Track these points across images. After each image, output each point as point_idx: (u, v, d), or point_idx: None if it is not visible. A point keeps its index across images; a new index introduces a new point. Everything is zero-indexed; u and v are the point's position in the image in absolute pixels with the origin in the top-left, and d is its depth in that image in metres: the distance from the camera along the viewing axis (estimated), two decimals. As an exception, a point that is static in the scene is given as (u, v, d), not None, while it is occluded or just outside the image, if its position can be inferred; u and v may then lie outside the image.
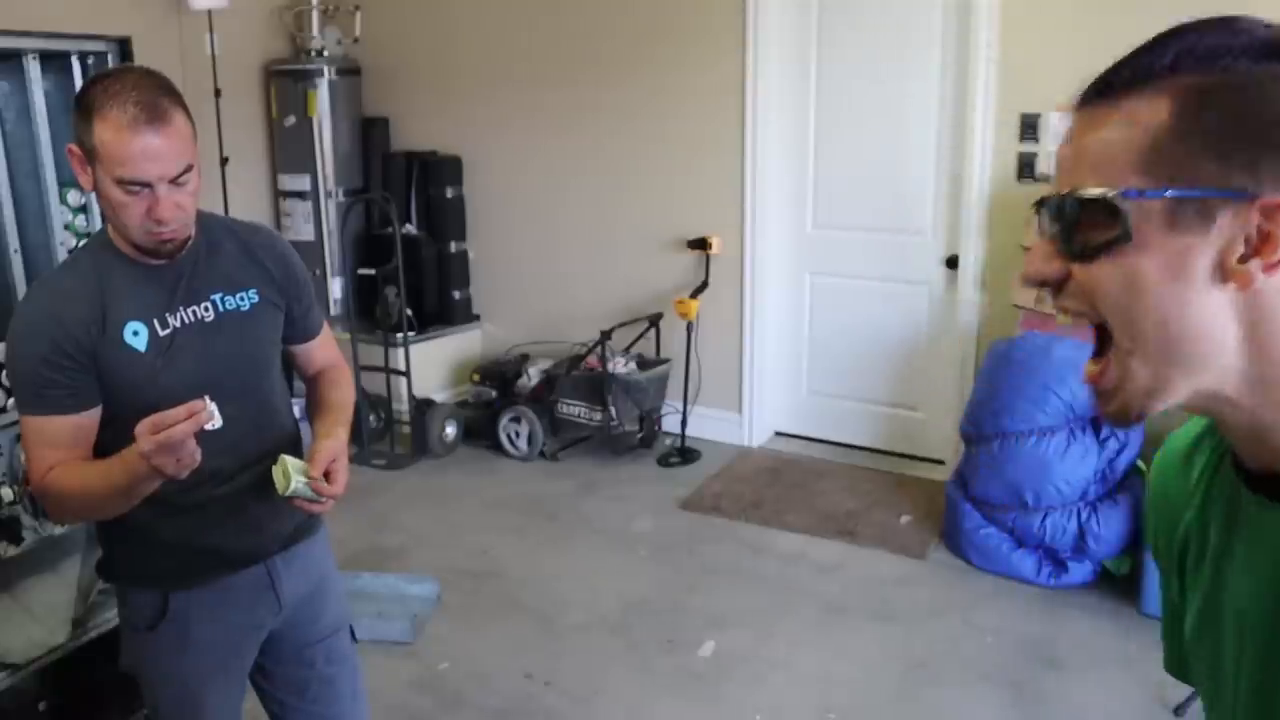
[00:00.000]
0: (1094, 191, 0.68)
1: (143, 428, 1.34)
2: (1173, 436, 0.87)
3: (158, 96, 1.43)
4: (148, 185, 1.43)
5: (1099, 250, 0.68)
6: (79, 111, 1.44)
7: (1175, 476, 0.83)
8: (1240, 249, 0.64)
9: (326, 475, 1.54)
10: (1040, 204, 0.72)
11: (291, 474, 1.51)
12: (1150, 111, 0.68)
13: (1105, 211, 0.67)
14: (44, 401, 1.48)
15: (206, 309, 1.58)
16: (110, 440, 1.53)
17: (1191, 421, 0.84)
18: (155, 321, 1.53)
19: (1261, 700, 0.71)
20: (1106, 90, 0.72)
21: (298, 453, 1.69)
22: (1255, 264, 0.64)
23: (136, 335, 1.52)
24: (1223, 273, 0.65)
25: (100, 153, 1.41)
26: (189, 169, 1.47)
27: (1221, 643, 0.75)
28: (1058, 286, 0.72)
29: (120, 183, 1.42)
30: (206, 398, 1.37)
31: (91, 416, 1.52)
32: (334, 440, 1.59)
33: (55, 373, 1.47)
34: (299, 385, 1.95)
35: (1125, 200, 0.66)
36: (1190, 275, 0.66)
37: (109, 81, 1.43)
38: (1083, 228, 0.69)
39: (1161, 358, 0.68)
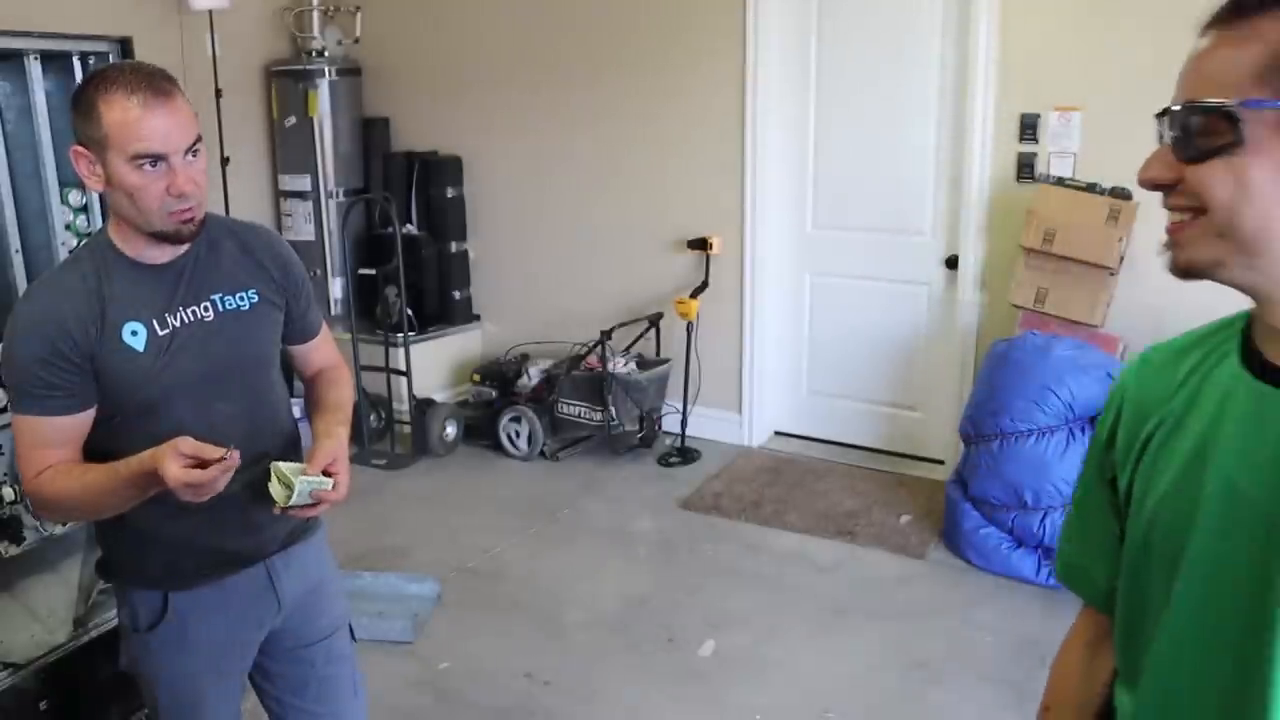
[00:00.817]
0: (1214, 100, 0.77)
1: (175, 454, 1.36)
2: (1155, 348, 1.00)
3: (156, 79, 1.45)
4: (163, 159, 1.44)
5: (1213, 153, 0.78)
6: (79, 110, 1.44)
7: (1159, 376, 0.95)
8: None
9: (326, 475, 1.53)
10: (1163, 113, 0.82)
11: (291, 479, 1.47)
12: (1272, 34, 0.76)
13: (1223, 119, 0.77)
14: (40, 402, 1.48)
15: (206, 309, 1.58)
16: (105, 439, 1.54)
17: (1176, 338, 0.99)
18: (154, 321, 1.53)
19: (1260, 556, 0.81)
20: (1240, 11, 0.80)
21: (298, 454, 1.69)
22: None
23: (135, 335, 1.52)
24: None
25: (111, 136, 1.42)
26: (199, 140, 1.49)
27: (1198, 510, 0.86)
28: (1170, 188, 0.82)
29: (136, 159, 1.42)
30: (233, 448, 1.39)
31: (86, 417, 1.52)
32: (333, 440, 1.59)
33: (52, 373, 1.47)
34: (299, 385, 1.95)
35: (1244, 109, 0.76)
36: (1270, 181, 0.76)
37: (104, 74, 1.44)
38: (1201, 133, 0.79)
39: (1245, 245, 0.79)
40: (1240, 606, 0.84)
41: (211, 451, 1.38)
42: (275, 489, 1.48)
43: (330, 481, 1.51)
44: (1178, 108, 0.81)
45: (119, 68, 1.46)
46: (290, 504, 1.48)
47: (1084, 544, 1.06)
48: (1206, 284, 0.95)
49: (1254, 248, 0.79)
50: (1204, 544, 0.86)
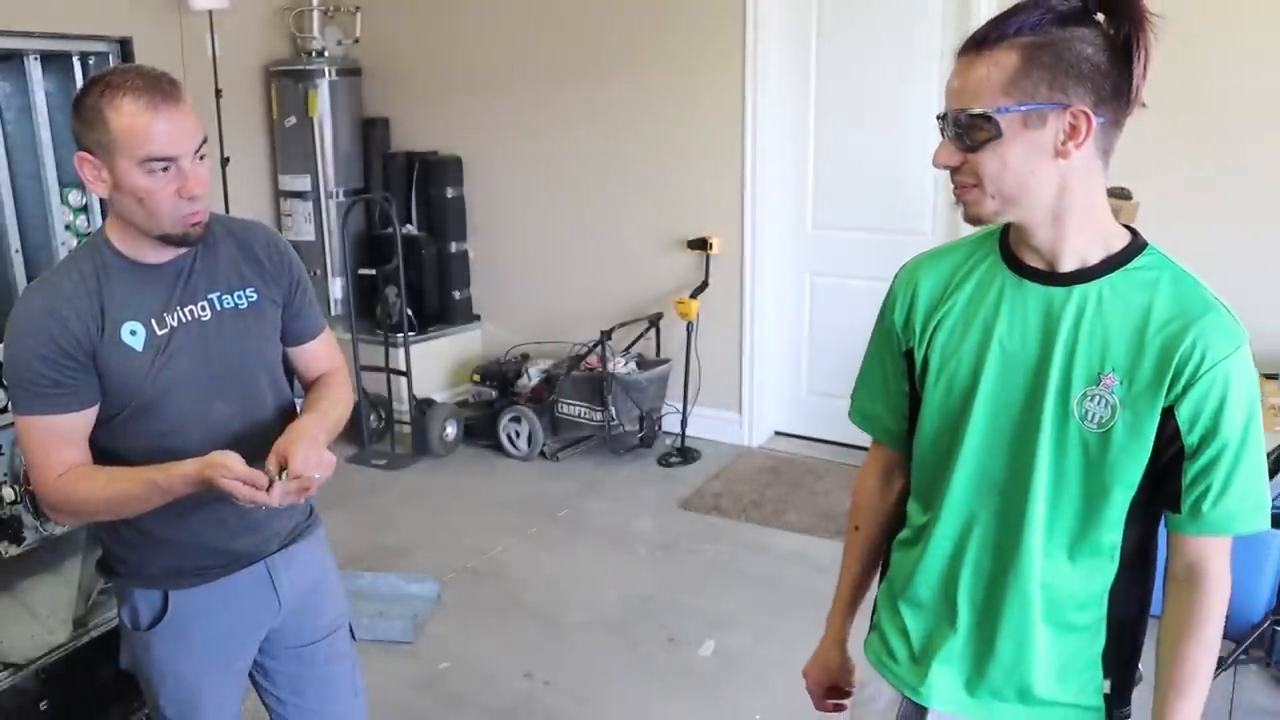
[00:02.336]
0: (977, 108, 1.12)
1: (234, 476, 1.42)
2: (928, 255, 1.35)
3: (161, 82, 1.45)
4: (173, 161, 1.44)
5: (983, 144, 1.13)
6: (83, 116, 1.44)
7: (939, 275, 1.31)
8: (1062, 137, 1.11)
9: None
10: (942, 117, 1.16)
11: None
12: (1007, 59, 1.10)
13: (986, 120, 1.11)
14: (47, 400, 1.48)
15: (204, 308, 1.58)
16: (105, 438, 1.54)
17: (940, 248, 1.35)
18: (153, 321, 1.53)
19: (1028, 391, 1.20)
20: (981, 45, 1.12)
21: None
22: (1070, 145, 1.11)
23: (134, 335, 1.52)
24: (1054, 152, 1.12)
25: (121, 141, 1.42)
26: (205, 142, 1.50)
27: (983, 368, 1.23)
28: (956, 169, 1.17)
29: (148, 162, 1.43)
30: (272, 475, 1.46)
31: (91, 415, 1.52)
32: (293, 429, 1.55)
33: (57, 371, 1.47)
34: (299, 385, 1.95)
35: (998, 113, 1.11)
36: (1036, 155, 1.12)
37: (107, 80, 1.44)
38: (972, 131, 1.13)
39: (1011, 201, 1.16)
40: (1015, 427, 1.22)
41: (260, 478, 1.44)
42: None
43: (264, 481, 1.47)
44: (954, 114, 1.13)
45: (122, 72, 1.46)
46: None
47: (879, 398, 1.40)
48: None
49: (1015, 201, 1.16)
50: (988, 389, 1.23)
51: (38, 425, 1.50)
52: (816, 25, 4.34)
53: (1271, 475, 3.12)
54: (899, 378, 1.35)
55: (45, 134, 2.66)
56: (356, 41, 5.21)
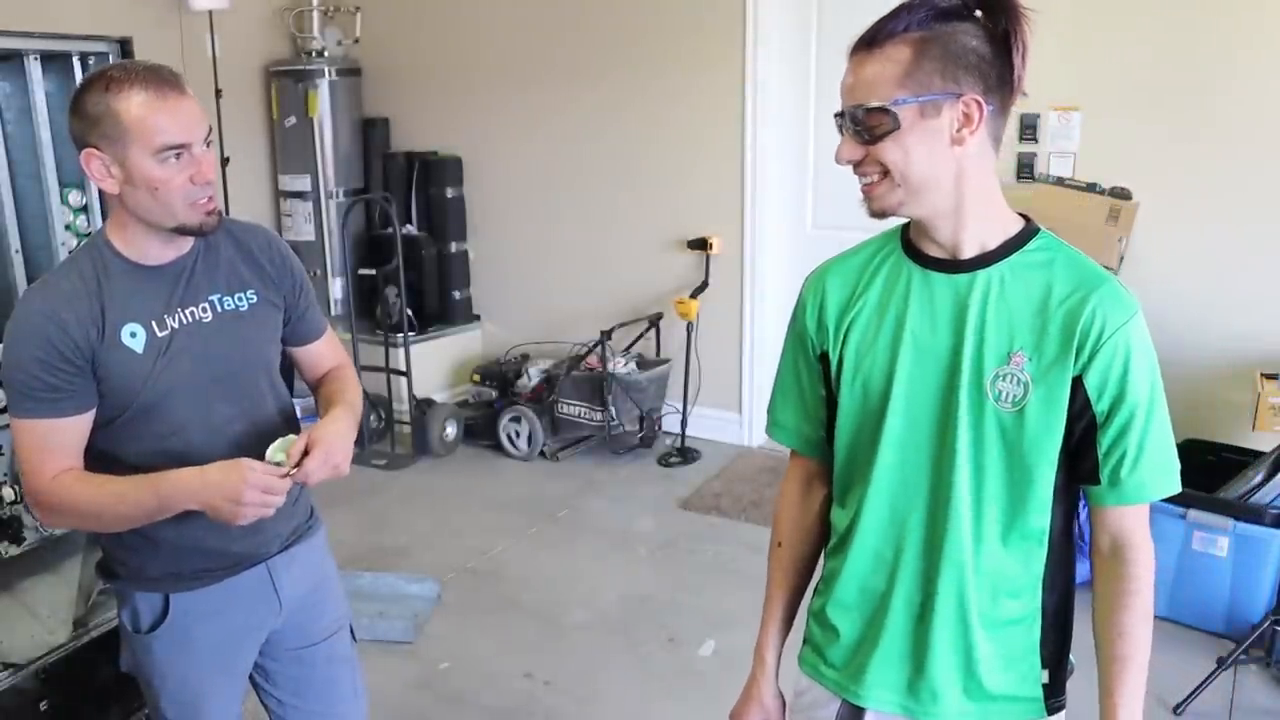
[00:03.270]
0: (876, 102, 1.15)
1: (254, 479, 1.42)
2: (833, 262, 1.37)
3: (162, 72, 1.46)
4: (186, 148, 1.45)
5: (883, 136, 1.16)
6: (86, 114, 1.43)
7: (846, 280, 1.33)
8: (957, 124, 1.15)
9: (306, 453, 1.52)
10: (840, 115, 1.19)
11: (279, 447, 1.51)
12: (899, 54, 1.14)
13: (884, 114, 1.15)
14: (43, 404, 1.48)
15: (204, 310, 1.58)
16: (105, 441, 1.53)
17: (844, 254, 1.37)
18: (153, 323, 1.53)
19: (944, 380, 1.23)
20: (871, 44, 1.16)
21: None
22: (965, 132, 1.16)
23: (134, 337, 1.51)
24: (950, 140, 1.16)
25: (134, 132, 1.42)
26: (210, 129, 1.51)
27: (898, 362, 1.25)
28: (859, 163, 1.20)
29: (163, 151, 1.43)
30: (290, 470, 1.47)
31: (88, 419, 1.52)
32: (327, 419, 1.59)
33: (54, 375, 1.46)
34: (299, 385, 1.95)
35: (895, 105, 1.14)
36: (934, 143, 1.16)
37: (108, 75, 1.44)
38: (871, 125, 1.16)
39: (914, 190, 1.19)
40: (932, 417, 1.24)
41: (278, 482, 1.46)
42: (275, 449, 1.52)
43: (284, 470, 1.50)
44: (852, 110, 1.17)
45: (122, 68, 1.45)
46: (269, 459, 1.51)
47: (797, 408, 1.40)
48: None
49: (919, 189, 1.19)
50: (904, 383, 1.24)
51: (33, 428, 1.49)
52: (816, 25, 4.34)
53: (1270, 476, 3.13)
54: (815, 383, 1.36)
55: (45, 134, 2.66)
56: (356, 41, 5.21)
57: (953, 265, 1.23)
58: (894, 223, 1.28)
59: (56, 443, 1.49)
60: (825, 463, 1.40)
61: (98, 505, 1.49)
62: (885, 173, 1.18)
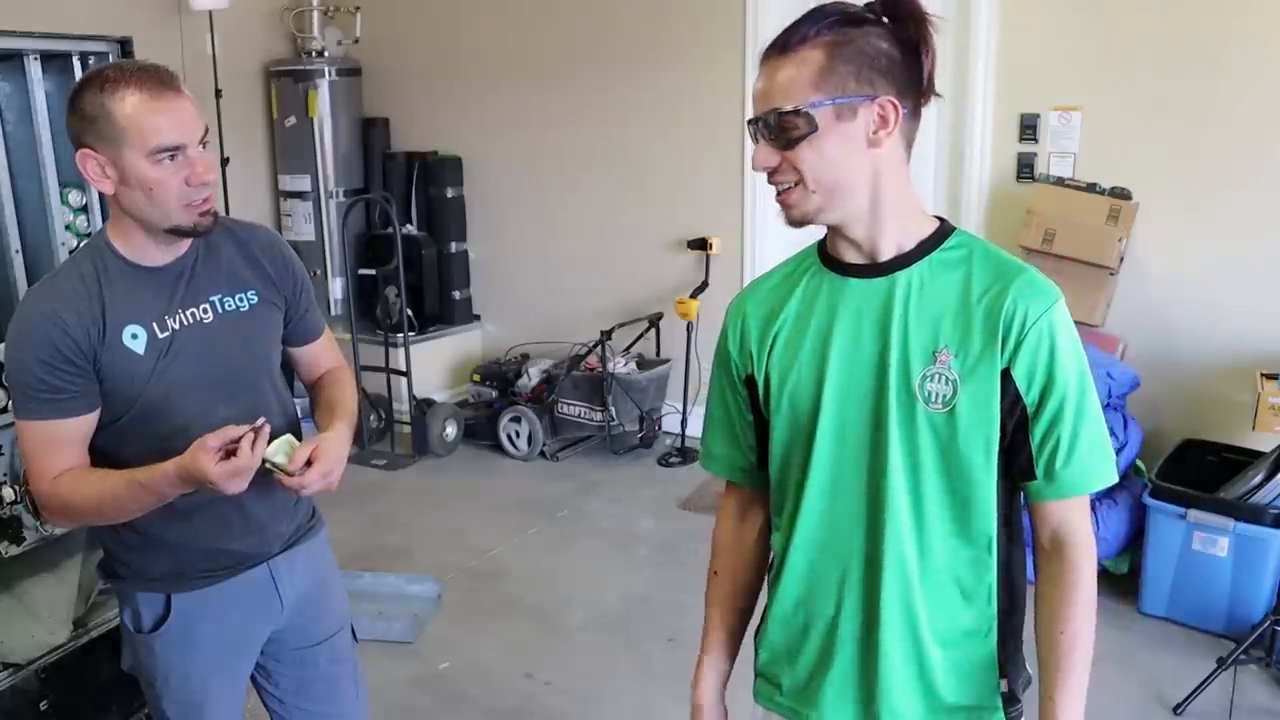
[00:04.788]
0: (790, 105, 1.14)
1: (206, 453, 1.37)
2: (753, 285, 1.36)
3: (159, 73, 1.46)
4: (181, 149, 1.44)
5: (800, 140, 1.14)
6: (83, 114, 1.43)
7: (766, 301, 1.31)
8: (874, 126, 1.15)
9: (308, 463, 1.49)
10: (754, 121, 1.17)
11: (280, 448, 1.48)
12: (813, 57, 1.14)
13: (800, 117, 1.13)
14: (45, 405, 1.48)
15: (205, 310, 1.58)
16: (108, 442, 1.53)
17: (763, 277, 1.36)
18: (154, 324, 1.53)
19: (873, 386, 1.20)
20: (784, 49, 1.15)
21: None
22: (882, 134, 1.15)
23: (135, 338, 1.51)
24: (867, 142, 1.15)
25: (128, 133, 1.41)
26: (207, 130, 1.50)
27: (825, 374, 1.22)
28: (774, 170, 1.18)
29: (157, 152, 1.43)
30: (262, 419, 1.42)
31: (91, 419, 1.52)
32: (332, 434, 1.57)
33: (56, 376, 1.46)
34: (298, 385, 1.95)
35: (812, 108, 1.13)
36: (851, 146, 1.15)
37: (104, 75, 1.43)
38: (787, 129, 1.14)
39: (831, 195, 1.17)
40: (863, 426, 1.21)
41: (235, 431, 1.40)
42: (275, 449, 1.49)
43: (290, 470, 1.47)
44: (767, 114, 1.15)
45: (118, 67, 1.45)
46: (269, 460, 1.47)
47: (727, 437, 1.38)
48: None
49: (835, 193, 1.17)
50: (833, 394, 1.22)
51: (36, 429, 1.49)
52: (816, 25, 4.34)
53: (1270, 476, 3.13)
54: (743, 409, 1.34)
55: (45, 134, 2.66)
56: (356, 41, 5.21)
57: (871, 269, 1.21)
58: (816, 235, 1.28)
59: (60, 443, 1.49)
60: (760, 490, 1.38)
61: (97, 503, 1.49)
62: (799, 179, 1.16)
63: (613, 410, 4.43)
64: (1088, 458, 1.18)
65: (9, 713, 2.24)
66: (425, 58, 5.22)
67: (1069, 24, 3.74)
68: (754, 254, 4.56)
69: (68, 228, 2.75)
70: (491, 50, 5.03)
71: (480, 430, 4.77)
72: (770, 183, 1.20)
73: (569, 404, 4.55)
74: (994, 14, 3.85)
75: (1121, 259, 3.62)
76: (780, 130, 1.14)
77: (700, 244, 4.59)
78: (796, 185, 1.17)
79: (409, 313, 4.87)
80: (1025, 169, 3.90)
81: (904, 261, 1.20)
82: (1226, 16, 3.49)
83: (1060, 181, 3.77)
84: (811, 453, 1.23)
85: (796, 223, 1.20)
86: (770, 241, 4.56)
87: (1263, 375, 3.23)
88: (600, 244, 4.95)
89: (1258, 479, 3.07)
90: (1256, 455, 3.25)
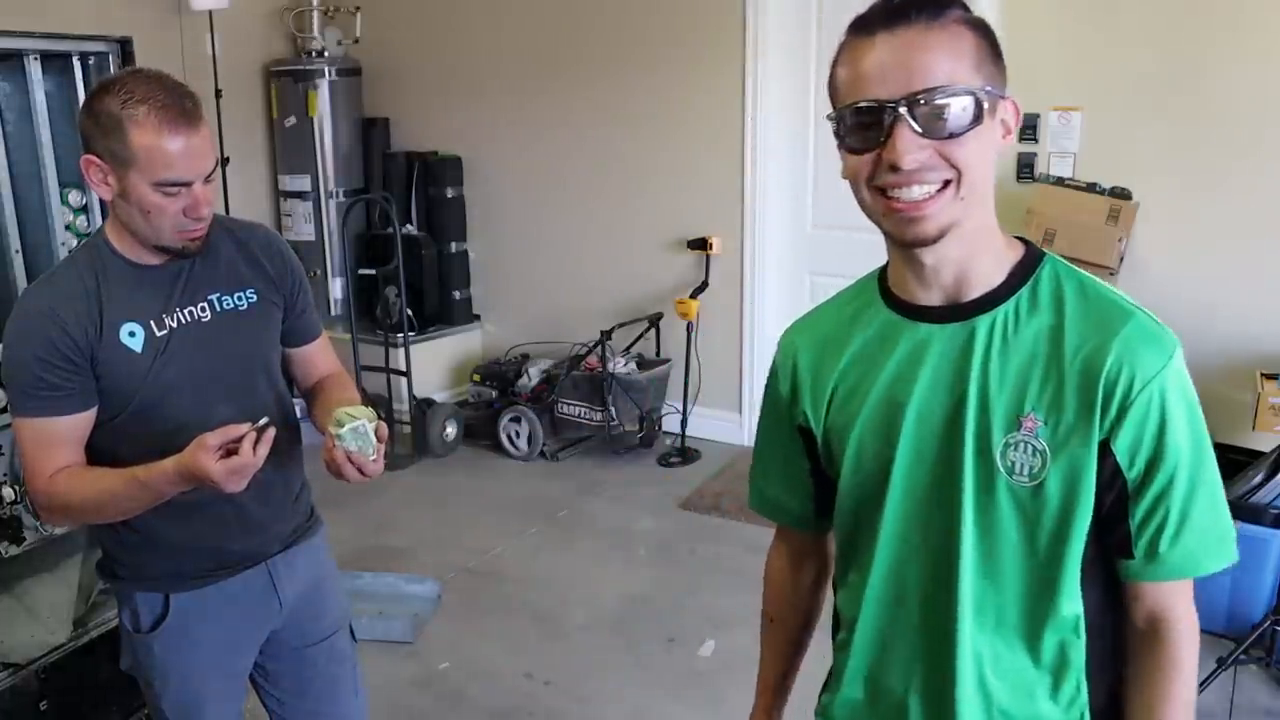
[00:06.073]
0: (965, 87, 0.94)
1: (206, 451, 1.37)
2: (803, 324, 1.20)
3: (181, 98, 1.43)
4: (188, 185, 1.44)
5: (967, 129, 0.95)
6: (98, 121, 1.42)
7: (822, 338, 1.14)
8: (1002, 131, 0.99)
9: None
10: (914, 103, 0.93)
11: (355, 416, 1.45)
12: (966, 34, 0.95)
13: (974, 100, 0.94)
14: (43, 403, 1.48)
15: (204, 309, 1.58)
16: (104, 440, 1.53)
17: (816, 312, 1.20)
18: (152, 323, 1.53)
19: (946, 470, 1.03)
20: (935, 15, 0.94)
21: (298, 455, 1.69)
22: (1007, 140, 1.00)
23: (133, 336, 1.51)
24: (996, 147, 0.99)
25: (140, 159, 1.40)
26: (216, 163, 1.50)
27: (892, 434, 1.05)
28: (921, 166, 0.95)
29: (163, 185, 1.42)
30: (266, 419, 1.41)
31: (89, 417, 1.52)
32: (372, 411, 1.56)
33: (53, 374, 1.47)
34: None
35: (984, 94, 0.95)
36: (991, 149, 0.98)
37: (127, 87, 1.41)
38: (952, 114, 0.94)
39: (972, 204, 0.98)
40: (933, 497, 1.05)
41: (236, 431, 1.39)
42: (342, 417, 1.45)
43: (373, 443, 1.46)
44: (925, 95, 0.93)
45: (144, 81, 1.43)
46: (342, 435, 1.43)
47: (780, 480, 1.24)
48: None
49: (976, 204, 0.99)
50: (904, 458, 1.05)
51: (33, 427, 1.49)
52: (816, 25, 4.34)
53: (1270, 476, 3.12)
54: (798, 455, 1.20)
55: (45, 134, 2.66)
56: (356, 41, 5.21)
57: (946, 312, 1.04)
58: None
59: (57, 441, 1.49)
60: (817, 537, 1.26)
61: (95, 501, 1.50)
62: (954, 179, 0.96)
63: (613, 410, 4.43)
64: (1198, 539, 1.00)
65: (9, 713, 2.24)
66: (425, 58, 5.22)
67: (1069, 24, 3.74)
68: (754, 254, 4.55)
69: (68, 228, 2.76)
70: (491, 50, 5.03)
71: (480, 430, 4.77)
72: (898, 185, 0.97)
73: (569, 404, 4.55)
74: (993, 14, 3.85)
75: (1121, 259, 3.62)
76: (939, 116, 0.94)
77: (700, 244, 4.59)
78: (946, 187, 0.96)
79: (409, 313, 4.87)
80: (1025, 169, 3.90)
81: (988, 303, 1.02)
82: (1227, 16, 3.49)
83: (1060, 181, 3.77)
84: (880, 520, 1.08)
85: (931, 238, 0.98)
86: (770, 242, 4.56)
87: (1263, 375, 3.23)
88: (600, 244, 4.95)
89: (1258, 479, 3.07)
90: (1256, 455, 3.25)
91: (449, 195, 5.19)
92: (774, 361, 1.22)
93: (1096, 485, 0.98)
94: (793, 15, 4.35)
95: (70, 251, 2.39)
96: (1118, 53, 3.67)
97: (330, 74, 5.02)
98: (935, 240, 0.98)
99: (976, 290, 1.02)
